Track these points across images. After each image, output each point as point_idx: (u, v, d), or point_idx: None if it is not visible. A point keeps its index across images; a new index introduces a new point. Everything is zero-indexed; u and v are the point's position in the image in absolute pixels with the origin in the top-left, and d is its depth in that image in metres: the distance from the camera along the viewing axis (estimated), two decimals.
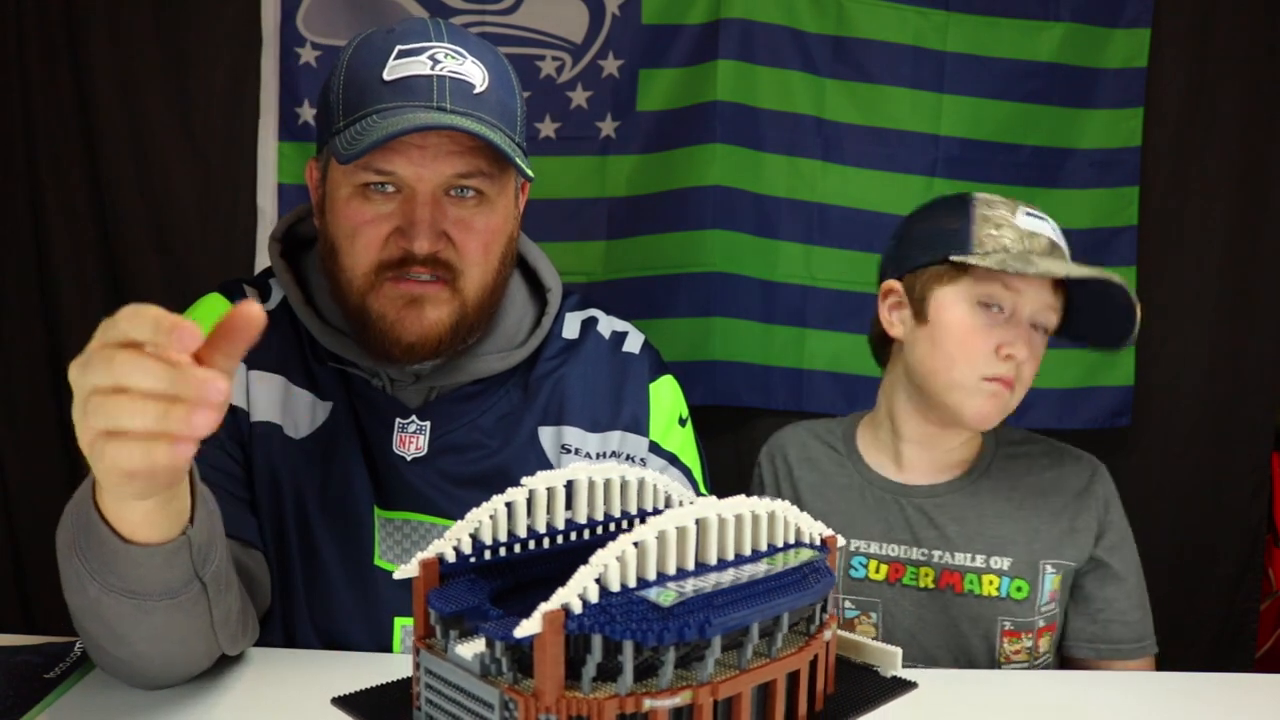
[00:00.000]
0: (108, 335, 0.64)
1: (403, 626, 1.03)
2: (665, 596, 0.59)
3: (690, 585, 0.61)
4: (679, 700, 0.59)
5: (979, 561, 1.21)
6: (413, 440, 1.03)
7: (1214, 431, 1.91)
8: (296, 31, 1.82)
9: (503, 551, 0.69)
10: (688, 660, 0.60)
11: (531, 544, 0.71)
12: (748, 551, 0.68)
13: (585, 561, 0.73)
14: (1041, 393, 1.90)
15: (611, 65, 1.84)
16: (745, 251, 1.86)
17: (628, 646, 0.57)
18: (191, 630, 0.82)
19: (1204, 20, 1.85)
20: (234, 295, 1.08)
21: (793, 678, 0.67)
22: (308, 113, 1.82)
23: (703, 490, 1.12)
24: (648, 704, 0.58)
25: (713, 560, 0.65)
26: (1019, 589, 1.19)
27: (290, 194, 1.83)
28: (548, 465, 1.06)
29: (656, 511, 0.77)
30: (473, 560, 0.67)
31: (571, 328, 1.12)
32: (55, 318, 1.87)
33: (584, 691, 0.58)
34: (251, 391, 1.03)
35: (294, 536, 1.03)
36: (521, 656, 0.60)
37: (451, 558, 0.67)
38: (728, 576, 0.64)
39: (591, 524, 0.73)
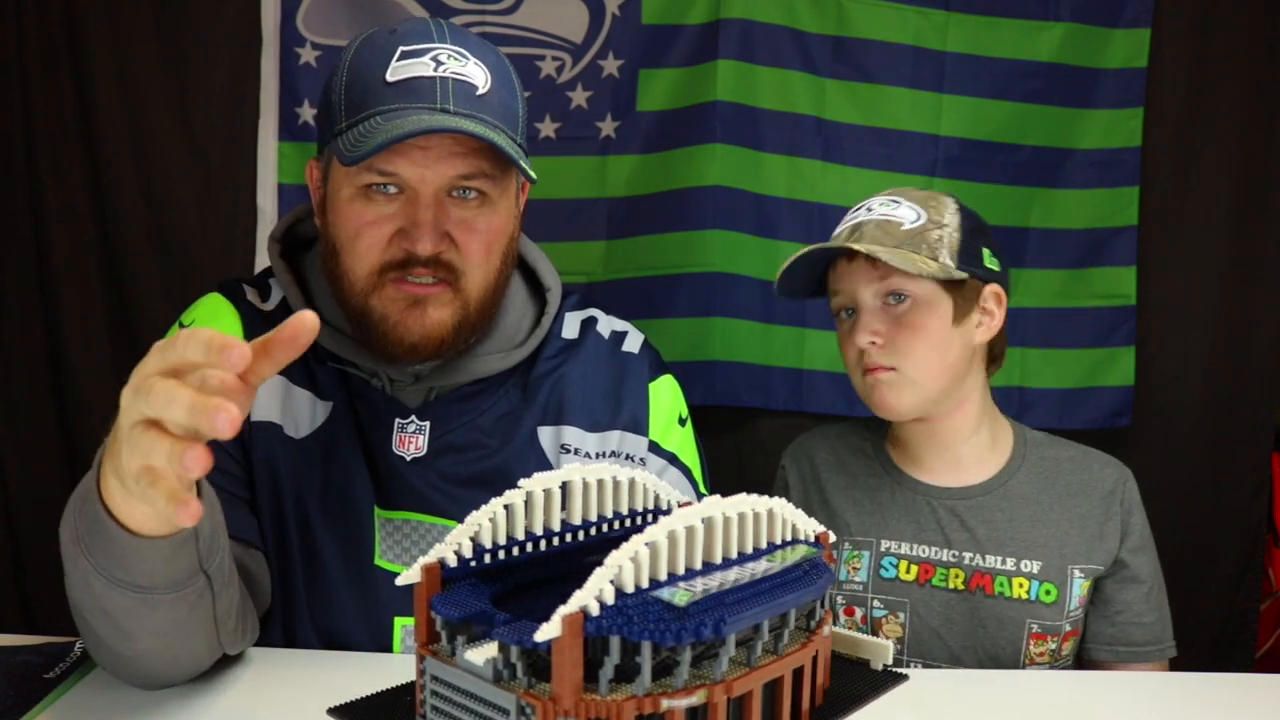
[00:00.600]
0: (162, 360, 0.63)
1: (403, 626, 1.03)
2: (680, 596, 0.60)
3: (701, 584, 0.62)
4: (695, 699, 0.59)
5: (1009, 565, 1.22)
6: (412, 440, 1.03)
7: (1214, 431, 1.91)
8: (296, 31, 1.82)
9: (502, 555, 0.69)
10: (699, 659, 0.60)
11: (529, 546, 0.71)
12: (749, 549, 0.68)
13: (582, 562, 0.73)
14: (1041, 393, 1.90)
15: (611, 65, 1.84)
16: (745, 251, 1.86)
17: (646, 647, 0.58)
18: (195, 625, 0.83)
19: (1204, 20, 1.85)
20: (234, 295, 1.09)
21: (797, 674, 0.67)
22: (308, 113, 1.82)
23: (703, 490, 1.12)
24: (665, 704, 0.58)
25: (718, 559, 0.66)
26: (1048, 593, 1.21)
27: (290, 194, 1.83)
28: (547, 465, 1.06)
29: (647, 511, 0.78)
30: (473, 564, 0.67)
31: (571, 327, 1.13)
32: (55, 318, 1.87)
33: (601, 693, 0.58)
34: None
35: (294, 536, 1.03)
36: (536, 660, 0.60)
37: (453, 562, 0.67)
38: (735, 575, 0.64)
39: (586, 525, 0.74)
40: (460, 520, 1.01)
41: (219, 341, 0.60)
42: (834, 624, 1.30)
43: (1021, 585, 1.21)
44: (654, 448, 1.10)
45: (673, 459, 1.11)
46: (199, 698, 0.88)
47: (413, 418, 1.04)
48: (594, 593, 0.58)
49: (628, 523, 0.77)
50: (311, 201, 1.07)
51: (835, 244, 1.21)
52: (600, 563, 0.76)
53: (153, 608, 0.78)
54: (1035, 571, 1.21)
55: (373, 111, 0.94)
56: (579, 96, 1.84)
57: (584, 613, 0.57)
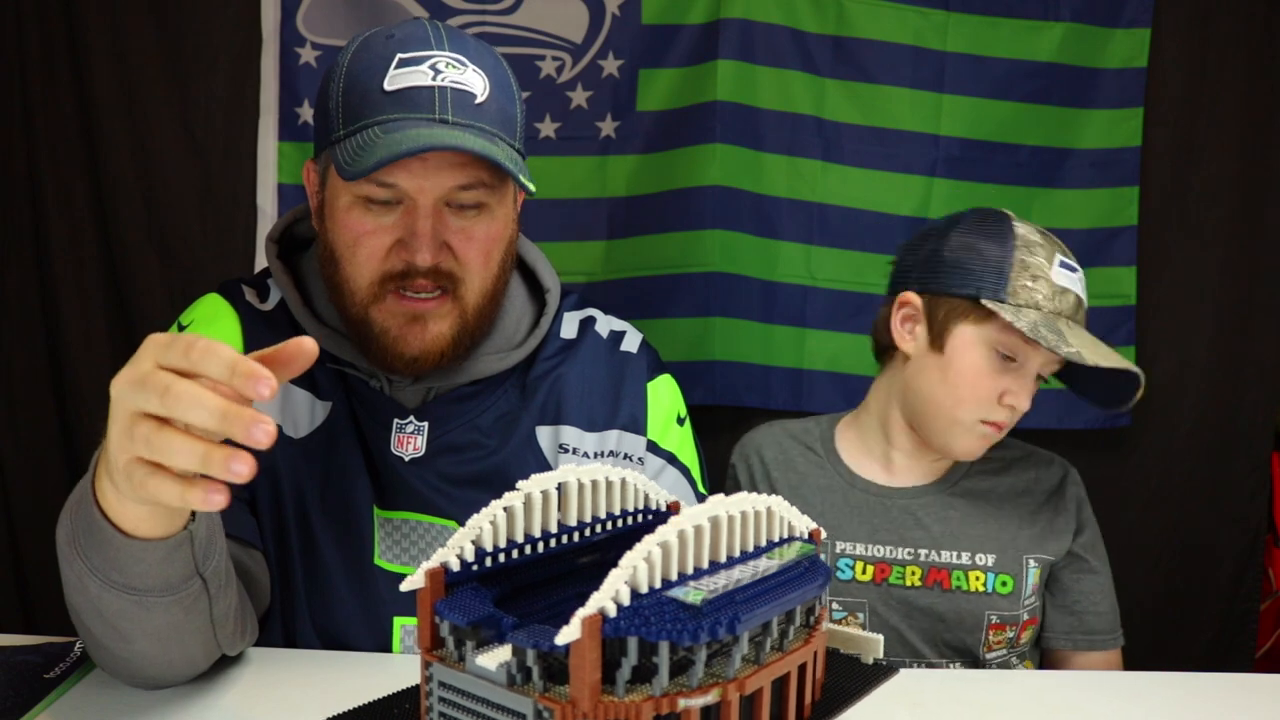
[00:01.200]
0: (167, 358, 0.62)
1: (402, 626, 1.03)
2: (694, 596, 0.60)
3: (712, 583, 0.62)
4: (711, 698, 0.59)
5: (964, 559, 1.24)
6: (410, 440, 1.03)
7: (1214, 431, 1.91)
8: (296, 31, 1.82)
9: (502, 558, 0.69)
10: (711, 658, 0.61)
11: (528, 549, 0.71)
12: (751, 547, 0.69)
13: (577, 564, 0.74)
14: (1041, 393, 1.89)
15: (611, 65, 1.84)
16: (745, 251, 1.86)
17: (663, 647, 0.58)
18: (191, 628, 0.82)
19: (1204, 20, 1.85)
20: (233, 296, 1.08)
21: (801, 670, 0.68)
22: (307, 113, 1.82)
23: (701, 489, 1.12)
24: (682, 703, 0.58)
25: (723, 558, 0.66)
26: (1004, 584, 1.23)
27: (290, 194, 1.83)
28: (545, 465, 1.06)
29: (638, 511, 0.79)
30: (475, 568, 0.67)
31: (570, 327, 1.13)
32: (55, 317, 1.87)
33: (619, 695, 0.58)
34: None
35: (294, 536, 1.03)
36: (551, 664, 0.60)
37: (456, 567, 0.66)
38: (741, 573, 0.65)
39: (581, 526, 0.74)
40: (459, 520, 1.02)
41: (246, 369, 0.60)
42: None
43: (978, 578, 1.23)
44: (652, 447, 1.10)
45: (671, 458, 1.11)
46: (199, 698, 0.88)
47: (411, 418, 1.04)
48: (610, 594, 0.58)
49: (620, 523, 0.77)
50: (309, 203, 1.07)
51: (1115, 362, 1.18)
52: (596, 563, 0.77)
53: (148, 610, 0.78)
54: (990, 564, 1.23)
55: (371, 121, 0.93)
56: (579, 96, 1.84)
57: (602, 614, 0.57)
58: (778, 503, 0.71)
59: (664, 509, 0.81)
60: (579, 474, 0.73)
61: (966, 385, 1.20)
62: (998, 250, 1.20)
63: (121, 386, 0.63)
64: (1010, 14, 1.84)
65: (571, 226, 1.86)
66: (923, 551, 1.25)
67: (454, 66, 0.95)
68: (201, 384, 0.61)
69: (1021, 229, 1.23)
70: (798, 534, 0.74)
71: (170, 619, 0.80)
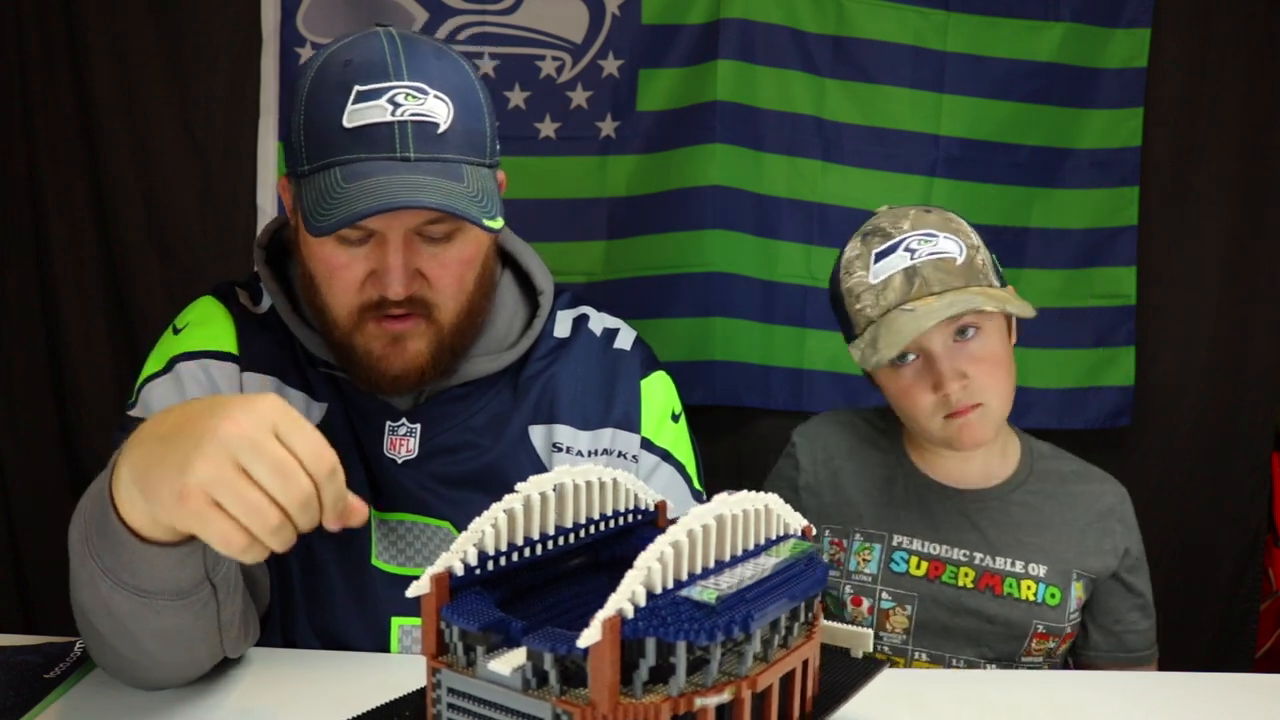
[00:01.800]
0: (290, 437, 0.68)
1: (400, 626, 1.03)
2: (708, 595, 0.60)
3: (722, 582, 0.63)
4: (726, 696, 0.60)
5: (1018, 567, 1.24)
6: (403, 443, 1.03)
7: (1214, 431, 1.91)
8: (296, 31, 1.82)
9: (504, 561, 0.69)
10: (722, 657, 0.61)
11: (528, 551, 0.71)
12: (751, 545, 0.69)
13: (571, 565, 0.74)
14: (1041, 393, 1.90)
15: (611, 65, 1.84)
16: (745, 251, 1.86)
17: (680, 647, 0.58)
18: (198, 632, 0.83)
19: (1204, 20, 1.85)
20: (227, 298, 1.09)
21: (804, 666, 0.69)
22: None
23: (697, 486, 1.12)
24: (699, 702, 0.59)
25: (727, 556, 0.66)
26: (1053, 595, 1.23)
27: None
28: (539, 464, 1.06)
29: (630, 512, 0.79)
30: (477, 572, 0.67)
31: (563, 326, 1.12)
32: (55, 318, 1.87)
33: (637, 696, 0.58)
34: (245, 392, 1.03)
35: None
36: (567, 667, 0.60)
37: (460, 571, 0.66)
38: (747, 571, 0.65)
39: (577, 527, 0.74)
40: (454, 521, 1.02)
41: (343, 504, 0.71)
42: (831, 613, 1.31)
43: (1030, 587, 1.23)
44: (646, 444, 1.10)
45: (666, 455, 1.10)
46: (199, 698, 0.88)
47: (403, 420, 1.04)
48: (627, 596, 0.58)
49: (613, 523, 0.77)
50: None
51: (944, 312, 1.13)
52: (590, 564, 0.77)
53: (157, 613, 0.79)
54: (1041, 575, 1.23)
55: (333, 161, 0.92)
56: (579, 96, 1.84)
57: (620, 616, 0.57)
58: (774, 500, 0.72)
59: (652, 509, 0.82)
60: (574, 475, 0.73)
61: (906, 401, 1.21)
62: (836, 292, 1.24)
63: (238, 439, 0.66)
64: (1010, 14, 1.84)
65: (571, 226, 1.86)
66: (978, 555, 1.24)
67: (413, 97, 0.93)
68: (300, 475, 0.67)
69: (849, 253, 1.23)
70: (792, 531, 0.75)
71: (178, 622, 0.80)
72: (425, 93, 0.93)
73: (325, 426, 1.02)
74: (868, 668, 0.79)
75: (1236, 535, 1.93)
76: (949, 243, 1.18)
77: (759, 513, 0.70)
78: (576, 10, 1.83)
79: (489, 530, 0.68)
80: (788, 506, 0.74)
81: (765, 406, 1.89)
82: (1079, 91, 1.85)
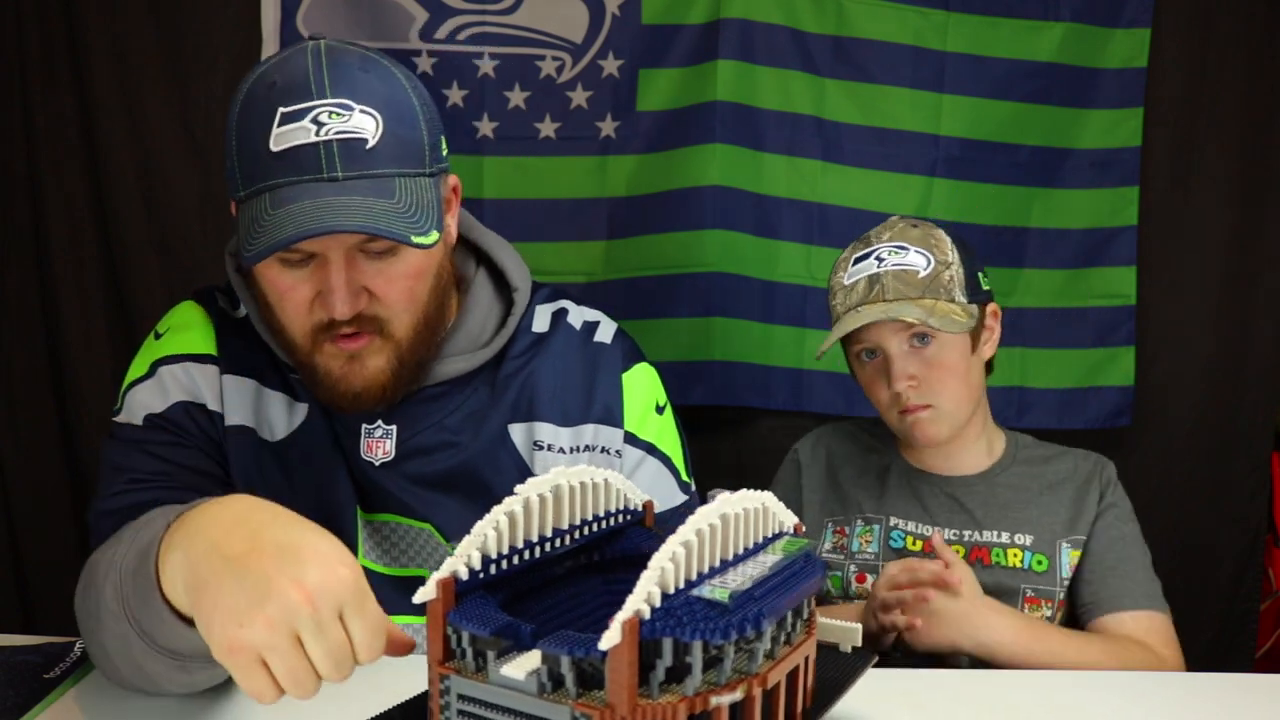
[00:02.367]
0: (352, 622, 0.67)
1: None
2: (720, 593, 0.61)
3: (731, 580, 0.63)
4: (739, 694, 0.60)
5: (1004, 538, 1.31)
6: (380, 445, 1.03)
7: (1214, 431, 1.91)
8: (296, 31, 1.81)
9: (505, 564, 0.69)
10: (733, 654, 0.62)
11: (528, 554, 0.71)
12: (751, 544, 0.70)
13: (567, 566, 0.74)
14: (1041, 393, 1.90)
15: (611, 65, 1.84)
16: (745, 251, 1.86)
17: (696, 647, 0.58)
18: (220, 678, 0.86)
19: (1204, 20, 1.85)
20: (207, 303, 1.09)
21: (805, 662, 0.70)
22: None
23: (684, 478, 1.12)
24: (714, 701, 0.59)
25: (730, 555, 0.67)
26: (1040, 562, 1.30)
27: None
28: (521, 462, 1.06)
29: (620, 512, 0.79)
30: (481, 576, 0.67)
31: (541, 320, 1.11)
32: (55, 317, 1.87)
33: (653, 696, 0.58)
34: (225, 395, 1.03)
35: None
36: (583, 669, 0.59)
37: (465, 575, 0.66)
38: (753, 569, 0.66)
39: (573, 529, 0.74)
40: (434, 522, 1.02)
41: (381, 650, 0.69)
42: (833, 595, 1.32)
43: (1016, 555, 1.30)
44: (630, 438, 1.09)
45: (650, 448, 1.10)
46: (199, 697, 0.88)
47: (379, 422, 1.03)
48: (643, 597, 0.58)
49: (605, 524, 0.77)
50: None
51: (879, 315, 1.24)
52: (584, 566, 0.77)
53: (188, 672, 0.81)
54: (1028, 544, 1.31)
55: (262, 186, 0.91)
56: (579, 96, 1.84)
57: (638, 617, 0.57)
58: (769, 498, 0.73)
59: (639, 508, 0.82)
60: (569, 476, 0.73)
61: (870, 394, 1.34)
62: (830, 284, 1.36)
63: (304, 614, 0.65)
64: (1010, 14, 1.84)
65: (571, 226, 1.86)
66: (967, 532, 1.32)
67: (337, 114, 0.90)
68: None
69: (842, 254, 1.35)
70: (786, 529, 0.75)
71: (205, 677, 0.84)
72: (350, 109, 0.91)
73: (307, 427, 1.03)
74: (858, 661, 0.80)
75: (1236, 535, 1.93)
76: (918, 256, 1.29)
77: (757, 511, 0.71)
78: (576, 10, 1.83)
79: (491, 534, 0.68)
80: (780, 504, 0.75)
81: (765, 406, 1.89)
82: (1079, 91, 1.85)
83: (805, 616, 0.70)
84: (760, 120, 1.84)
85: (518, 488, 0.70)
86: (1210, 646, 1.93)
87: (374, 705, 0.74)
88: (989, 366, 1.38)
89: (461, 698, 0.63)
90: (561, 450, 1.06)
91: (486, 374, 1.07)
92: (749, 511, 0.69)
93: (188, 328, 1.07)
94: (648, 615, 0.58)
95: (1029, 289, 1.89)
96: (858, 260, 1.31)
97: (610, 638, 0.56)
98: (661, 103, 1.84)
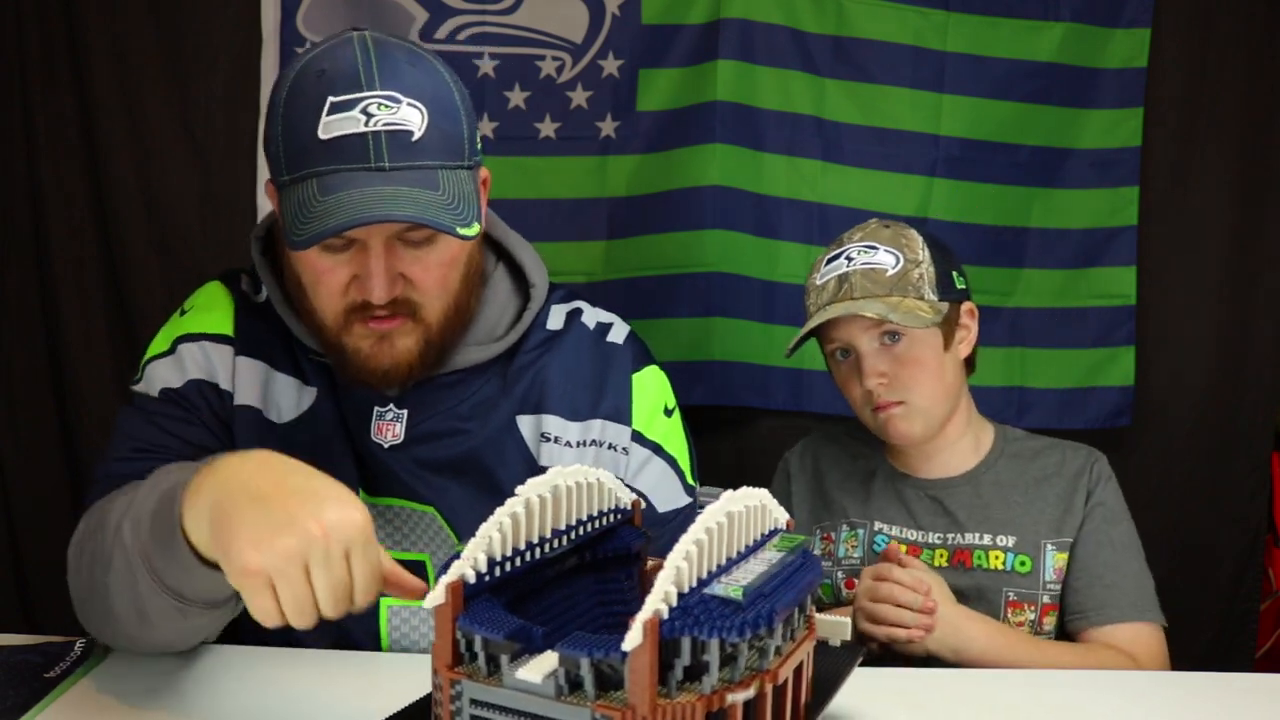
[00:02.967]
0: (357, 563, 0.73)
1: (388, 607, 1.05)
2: (734, 591, 0.61)
3: (740, 578, 0.64)
4: (752, 691, 0.60)
5: (985, 540, 1.31)
6: (390, 428, 1.05)
7: (1214, 431, 1.91)
8: (296, 31, 1.82)
9: (509, 566, 0.69)
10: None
11: (529, 555, 0.71)
12: (751, 541, 0.70)
13: (562, 568, 0.74)
14: (1041, 393, 1.90)
15: (611, 65, 1.84)
16: (745, 251, 1.86)
17: (714, 645, 0.58)
18: (210, 629, 0.90)
19: (1204, 20, 1.85)
20: (231, 284, 1.12)
21: (808, 657, 0.71)
22: None
23: (690, 481, 1.13)
24: (730, 699, 0.59)
25: (734, 553, 0.67)
26: (1022, 563, 1.29)
27: None
28: (526, 453, 1.07)
29: (612, 512, 0.80)
30: (486, 579, 0.67)
31: (556, 319, 1.13)
32: (55, 317, 1.87)
33: (671, 696, 0.58)
34: (237, 375, 1.06)
35: None
36: (601, 671, 0.60)
37: (472, 579, 0.66)
38: (758, 566, 0.66)
39: (569, 529, 0.74)
40: (438, 506, 1.04)
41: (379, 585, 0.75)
42: (823, 602, 1.34)
43: (998, 557, 1.30)
44: (637, 437, 1.10)
45: (657, 448, 1.11)
46: (199, 697, 0.89)
47: (391, 406, 1.05)
48: (660, 597, 0.58)
49: (598, 524, 0.78)
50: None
51: (843, 309, 1.27)
52: (577, 566, 0.78)
53: (185, 616, 0.85)
54: (1010, 545, 1.30)
55: (310, 172, 0.93)
56: (579, 96, 1.84)
57: (658, 617, 0.57)
58: (766, 496, 0.73)
59: (628, 507, 0.82)
60: (565, 476, 0.73)
61: (844, 392, 1.35)
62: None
63: (316, 546, 0.71)
64: (1010, 14, 1.84)
65: (571, 226, 1.86)
66: (950, 536, 1.32)
67: (386, 106, 0.93)
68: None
69: (820, 255, 1.36)
70: (780, 526, 0.76)
71: (200, 623, 0.89)
72: (398, 101, 0.94)
73: (314, 410, 1.06)
74: (850, 655, 0.81)
75: (1236, 535, 1.93)
76: (886, 255, 1.29)
77: (756, 508, 0.71)
78: (576, 10, 1.83)
79: (496, 535, 0.68)
80: (774, 500, 0.76)
81: (765, 406, 1.89)
82: (1079, 91, 1.85)
83: (806, 613, 0.71)
84: (760, 120, 1.84)
85: (519, 489, 0.70)
86: (1210, 646, 1.93)
87: (376, 707, 0.74)
88: (971, 365, 1.38)
89: (475, 703, 0.63)
90: (568, 444, 1.08)
91: (499, 366, 1.09)
92: (750, 509, 0.70)
93: (210, 308, 1.11)
94: (666, 615, 0.58)
95: (1029, 289, 1.89)
96: (829, 260, 1.32)
97: (633, 638, 0.56)
98: (661, 103, 1.84)
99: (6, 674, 0.90)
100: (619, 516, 0.81)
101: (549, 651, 0.62)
